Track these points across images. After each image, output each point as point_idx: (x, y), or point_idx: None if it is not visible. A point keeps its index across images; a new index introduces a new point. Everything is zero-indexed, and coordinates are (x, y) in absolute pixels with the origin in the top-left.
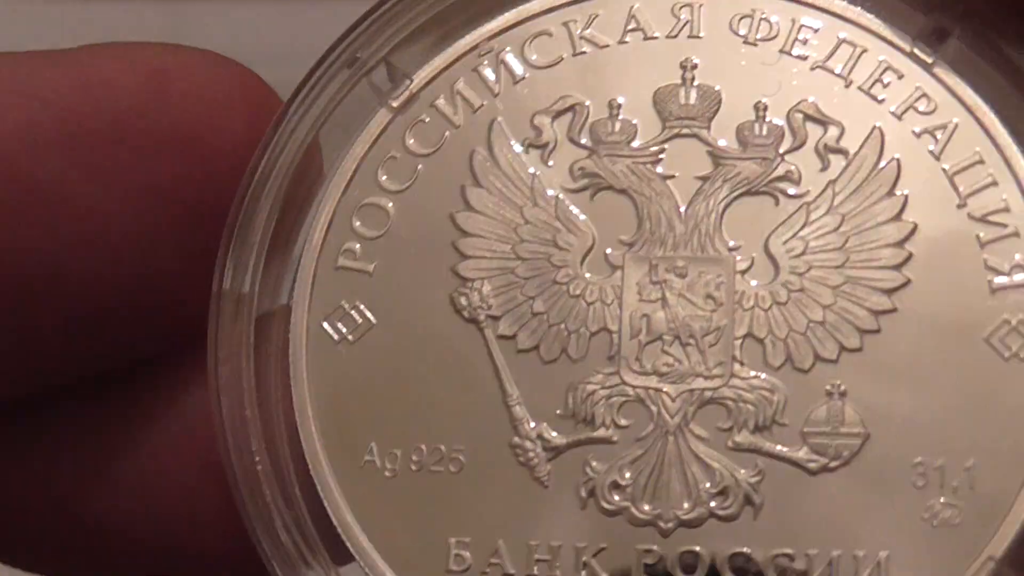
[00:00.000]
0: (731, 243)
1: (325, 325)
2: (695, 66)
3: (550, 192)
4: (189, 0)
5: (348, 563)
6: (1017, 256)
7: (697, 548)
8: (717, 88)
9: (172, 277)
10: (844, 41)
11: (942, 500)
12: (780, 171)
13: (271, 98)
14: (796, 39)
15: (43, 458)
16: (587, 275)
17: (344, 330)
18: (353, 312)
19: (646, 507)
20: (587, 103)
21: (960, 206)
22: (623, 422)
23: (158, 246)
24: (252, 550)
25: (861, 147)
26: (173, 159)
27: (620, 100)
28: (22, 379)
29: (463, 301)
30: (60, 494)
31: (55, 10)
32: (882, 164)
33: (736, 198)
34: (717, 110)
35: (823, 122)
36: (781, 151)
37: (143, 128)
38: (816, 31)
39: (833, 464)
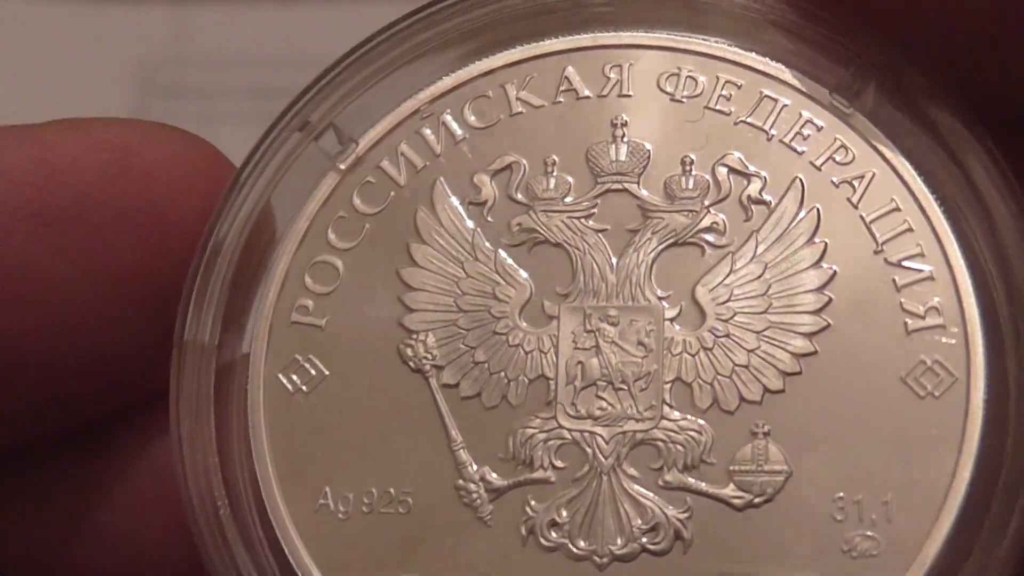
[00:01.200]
0: (660, 292)
1: (281, 377)
2: (625, 123)
3: (489, 247)
4: (191, 3)
5: None
6: (932, 299)
7: None
8: (646, 145)
9: (137, 343)
10: (766, 96)
11: (861, 533)
12: (706, 222)
13: (227, 169)
14: (720, 95)
15: (17, 513)
16: (525, 325)
17: (299, 381)
18: (307, 364)
19: (582, 543)
20: (523, 162)
21: (877, 252)
22: (560, 464)
23: (122, 316)
24: None
25: (782, 198)
26: (134, 234)
27: (555, 158)
28: None
29: (409, 352)
30: (35, 548)
31: (56, 12)
32: (802, 214)
33: (664, 249)
34: (646, 165)
35: (746, 174)
36: (707, 203)
37: (105, 205)
38: (739, 87)
39: (758, 500)
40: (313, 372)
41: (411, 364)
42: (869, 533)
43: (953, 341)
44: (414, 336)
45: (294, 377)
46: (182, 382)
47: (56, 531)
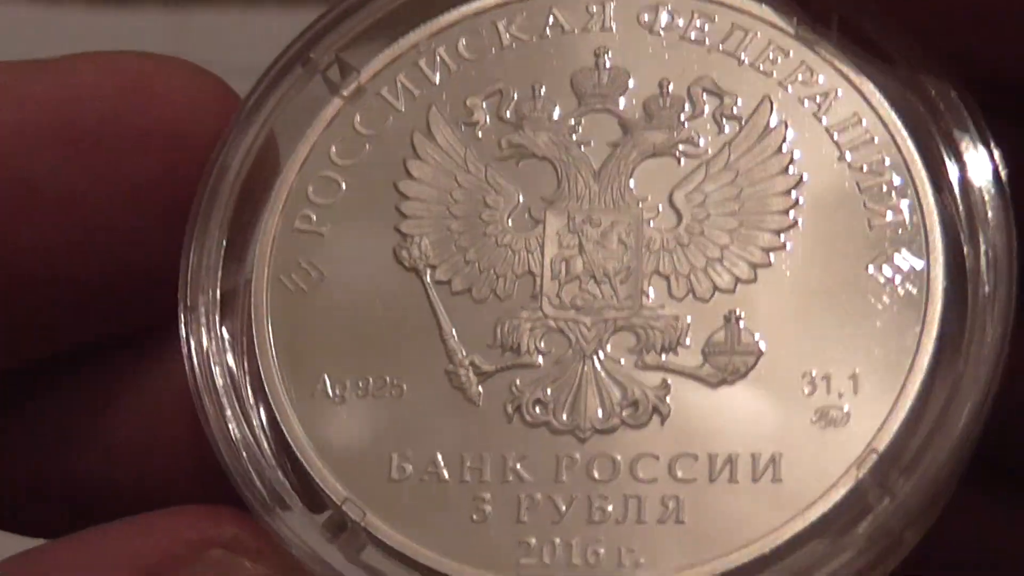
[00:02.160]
0: (639, 196)
1: (282, 278)
2: (607, 52)
3: (480, 162)
4: (192, 9)
5: (303, 480)
6: (892, 198)
7: (610, 452)
8: (626, 70)
9: (156, 260)
10: (736, 27)
11: (830, 404)
12: (682, 136)
13: (235, 99)
14: (695, 28)
15: (33, 427)
16: (513, 228)
17: (299, 282)
18: (307, 267)
19: (565, 418)
20: (512, 88)
21: (841, 159)
22: (544, 348)
23: (144, 232)
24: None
25: (753, 113)
26: (154, 155)
27: (542, 84)
28: (14, 352)
29: (404, 253)
30: (47, 462)
31: (53, 17)
32: (772, 127)
33: (644, 160)
34: (626, 88)
35: (719, 94)
36: (683, 119)
37: (125, 126)
38: (713, 20)
39: (731, 378)
40: (313, 274)
41: (406, 264)
42: (837, 403)
43: (913, 234)
44: (409, 239)
45: (294, 277)
46: (190, 287)
47: (71, 445)
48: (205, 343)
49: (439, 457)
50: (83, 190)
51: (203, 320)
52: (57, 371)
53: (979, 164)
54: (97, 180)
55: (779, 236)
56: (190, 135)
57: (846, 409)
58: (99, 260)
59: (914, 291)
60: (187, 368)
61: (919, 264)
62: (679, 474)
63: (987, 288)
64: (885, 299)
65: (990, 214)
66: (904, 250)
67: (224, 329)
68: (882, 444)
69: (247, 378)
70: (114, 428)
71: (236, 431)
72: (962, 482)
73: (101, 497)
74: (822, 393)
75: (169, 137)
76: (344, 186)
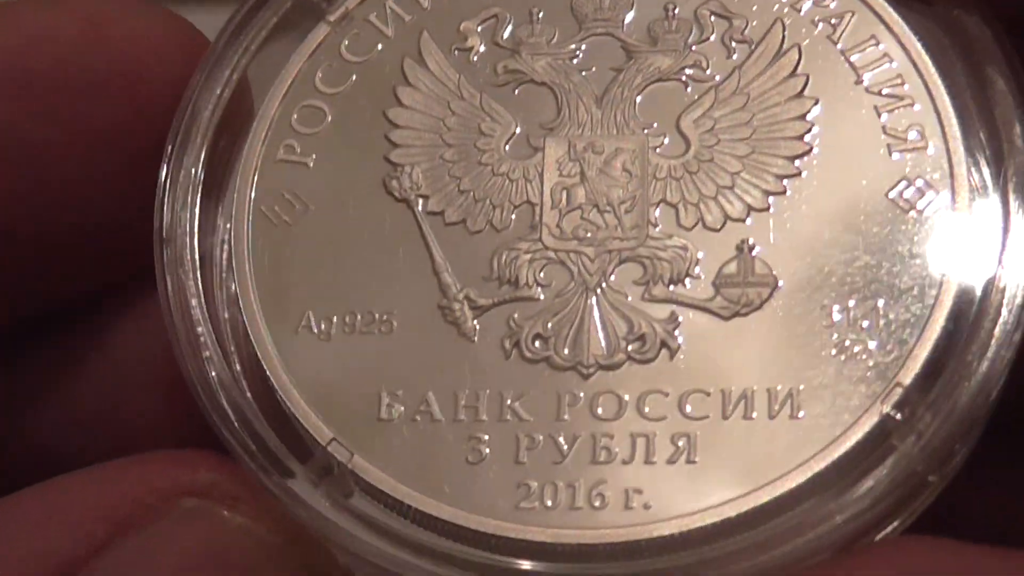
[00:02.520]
0: (645, 123)
1: (264, 210)
2: None
3: (475, 88)
4: (193, 8)
5: (286, 421)
6: (913, 121)
7: (616, 389)
8: None
9: (125, 210)
10: None
11: (852, 337)
12: (689, 60)
13: (203, 41)
14: None
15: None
16: (510, 157)
17: (282, 213)
18: (291, 198)
19: (567, 353)
20: (508, 13)
21: (857, 82)
22: (545, 281)
23: (106, 182)
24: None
25: (764, 36)
26: (114, 100)
27: (539, 10)
28: None
29: (394, 184)
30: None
31: None
32: (783, 49)
33: (649, 85)
34: (629, 11)
35: (728, 17)
36: (690, 43)
37: (83, 70)
38: None
39: (745, 310)
40: (297, 206)
41: (396, 195)
42: (859, 336)
43: (934, 159)
44: (400, 169)
45: (277, 209)
46: (166, 226)
47: (38, 409)
48: (183, 282)
49: (432, 396)
50: (39, 139)
51: (180, 259)
52: (29, 324)
53: (1004, 89)
54: (53, 128)
55: (793, 163)
56: (153, 78)
57: (869, 341)
58: (62, 212)
59: (937, 219)
60: (164, 308)
61: (942, 191)
62: (690, 411)
63: (1014, 215)
64: (907, 227)
65: (1018, 140)
66: (926, 177)
67: (202, 266)
68: (907, 377)
69: (227, 316)
70: (89, 373)
71: (215, 371)
72: (987, 430)
73: (73, 446)
74: (843, 325)
75: (129, 80)
76: (330, 115)
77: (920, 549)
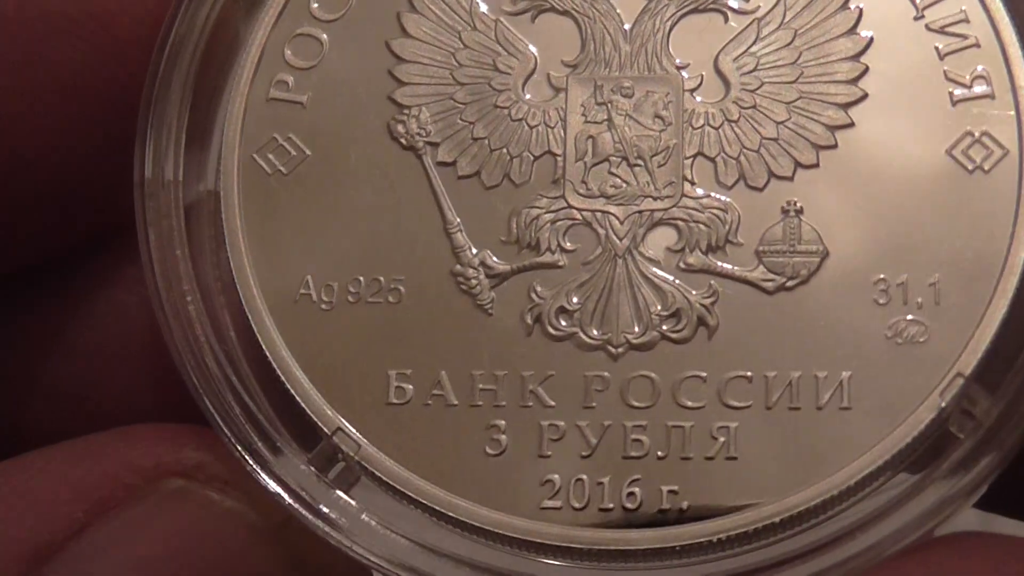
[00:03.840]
0: (679, 61)
1: (256, 158)
2: None
3: (489, 15)
4: None
5: (285, 401)
6: (978, 67)
7: (648, 373)
8: None
9: (95, 161)
10: None
11: (907, 317)
12: None
13: None
14: None
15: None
16: (529, 98)
17: (276, 162)
18: (286, 144)
19: (595, 332)
20: None
21: (917, 18)
22: (569, 246)
23: (81, 130)
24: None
25: None
26: (86, 41)
27: None
28: None
29: (400, 128)
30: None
31: None
32: None
33: (683, 15)
34: None
35: None
36: None
37: (52, 13)
38: None
39: (790, 283)
40: (293, 152)
41: (402, 141)
42: (915, 317)
43: (1002, 112)
44: (406, 111)
45: (271, 157)
46: (148, 180)
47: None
48: (167, 236)
49: (445, 376)
50: (4, 85)
51: (165, 212)
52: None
53: None
54: (20, 71)
55: (846, 111)
56: (128, 14)
57: (926, 323)
58: (31, 165)
59: (1005, 180)
60: (146, 267)
61: (1011, 149)
62: (730, 400)
63: None
64: (970, 189)
65: None
66: (993, 131)
67: (188, 220)
68: (968, 366)
69: (217, 282)
70: (65, 343)
71: (205, 345)
72: None
73: (48, 423)
74: (898, 303)
75: (102, 19)
76: (327, 45)
77: (982, 547)
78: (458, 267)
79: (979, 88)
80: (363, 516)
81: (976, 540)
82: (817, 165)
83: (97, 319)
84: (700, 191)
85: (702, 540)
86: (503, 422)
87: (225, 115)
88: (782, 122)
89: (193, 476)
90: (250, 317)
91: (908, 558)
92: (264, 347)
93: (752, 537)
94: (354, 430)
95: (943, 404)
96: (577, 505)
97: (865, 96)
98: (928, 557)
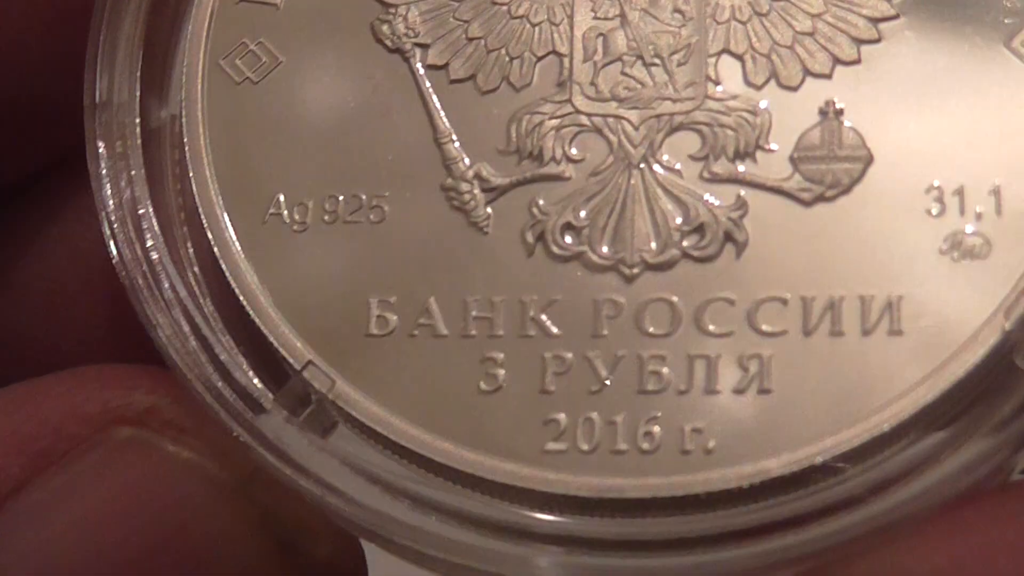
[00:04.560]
0: None
1: (223, 64)
2: None
3: None
4: None
5: (251, 334)
6: None
7: (668, 295)
8: None
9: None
10: None
11: (965, 229)
12: None
13: None
14: None
15: None
16: None
17: (246, 68)
18: (257, 48)
19: (605, 250)
20: None
21: None
22: (577, 155)
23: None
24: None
25: None
26: None
27: None
28: None
29: (386, 29)
30: None
31: None
32: None
33: None
34: None
35: None
36: None
37: None
38: None
39: (830, 193)
40: (264, 58)
41: (388, 43)
42: (974, 229)
43: None
44: (392, 10)
45: (239, 64)
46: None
47: None
48: (123, 156)
49: (434, 303)
50: None
51: (120, 129)
52: None
53: None
54: None
55: (891, 2)
56: None
57: (988, 234)
58: None
59: None
60: (96, 191)
61: None
62: (762, 326)
63: None
64: None
65: None
66: None
67: (148, 140)
68: None
69: (180, 204)
70: (10, 283)
71: (161, 274)
72: None
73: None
74: (954, 213)
75: None
76: None
77: None
78: (449, 181)
79: None
80: (340, 465)
81: None
82: (859, 61)
83: (48, 256)
84: (726, 92)
85: (731, 487)
86: (500, 354)
87: (190, 19)
88: (818, 14)
89: (145, 423)
90: (212, 241)
91: (974, 506)
92: (227, 273)
93: (790, 483)
94: (328, 365)
95: (1008, 326)
96: (585, 448)
97: None
98: (999, 505)
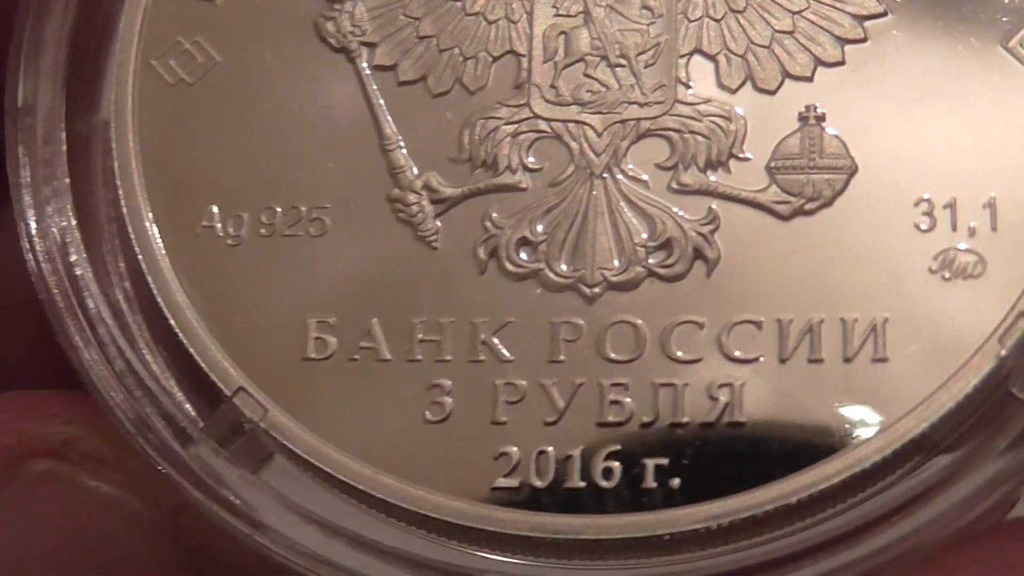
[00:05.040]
0: None
1: (156, 65)
2: None
3: None
4: None
5: (179, 357)
6: None
7: (631, 318)
8: None
9: None
10: None
11: (957, 246)
12: None
13: None
14: None
15: None
16: None
17: (180, 69)
18: (192, 48)
19: (564, 267)
20: None
21: None
22: (534, 164)
23: None
24: None
25: None
26: None
27: None
28: None
29: (331, 26)
30: None
31: None
32: None
33: None
34: None
35: None
36: None
37: None
38: None
39: (810, 206)
40: (200, 58)
41: (332, 42)
42: (967, 245)
43: None
44: (338, 6)
45: (173, 64)
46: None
47: None
48: (45, 163)
49: (376, 325)
50: None
51: (45, 135)
52: None
53: None
54: None
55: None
56: None
57: (982, 252)
58: None
59: None
60: (15, 200)
61: None
62: (734, 351)
63: None
64: None
65: None
66: None
67: (75, 148)
68: None
69: (113, 223)
70: None
71: (84, 289)
72: None
73: None
74: (945, 229)
75: None
76: None
77: None
78: (396, 191)
79: None
80: (273, 501)
81: None
82: (843, 62)
83: None
84: (697, 95)
85: (698, 528)
86: (448, 381)
87: (122, 15)
88: (799, 11)
89: (63, 456)
90: (140, 255)
91: (963, 550)
92: (155, 291)
93: (763, 524)
94: (261, 391)
95: (1003, 352)
96: (539, 484)
97: None
98: (991, 549)
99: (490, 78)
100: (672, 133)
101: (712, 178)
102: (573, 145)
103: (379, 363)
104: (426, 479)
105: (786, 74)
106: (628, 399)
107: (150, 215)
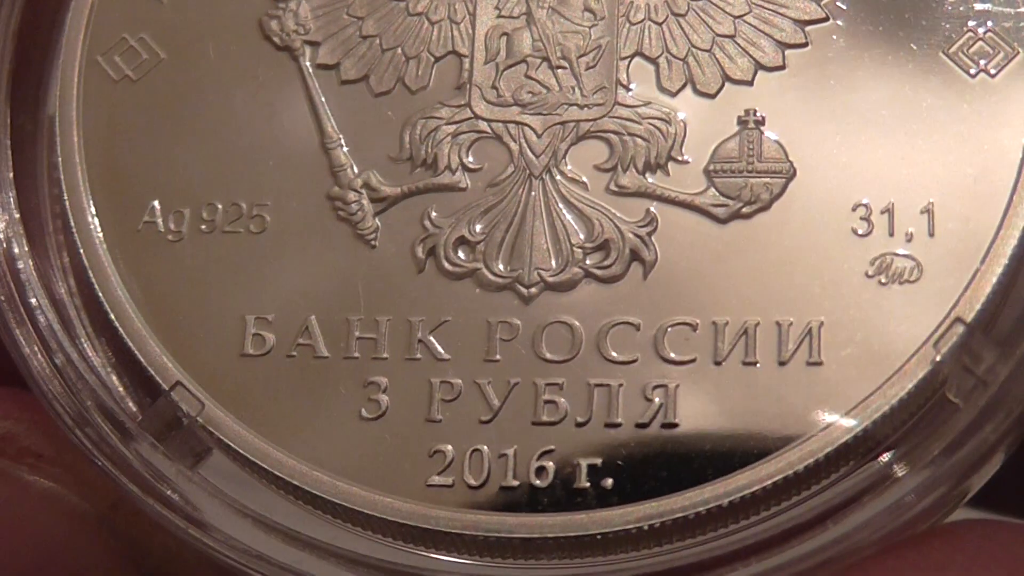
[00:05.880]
0: None
1: (101, 61)
2: None
3: None
4: None
5: (118, 351)
6: None
7: (567, 318)
8: None
9: None
10: None
11: (894, 251)
12: None
13: None
14: None
15: None
16: None
17: (125, 66)
18: (137, 45)
19: (501, 267)
20: None
21: None
22: (474, 164)
23: None
24: None
25: None
26: None
27: None
28: None
29: (275, 25)
30: None
31: None
32: None
33: None
34: None
35: None
36: None
37: None
38: None
39: (747, 209)
40: (145, 55)
41: (276, 40)
42: (904, 251)
43: (1008, 7)
44: (281, 5)
45: (118, 61)
46: None
47: None
48: None
49: (315, 322)
50: None
51: None
52: None
53: None
54: None
55: (819, 3)
56: None
57: (919, 257)
58: None
59: (1014, 87)
60: None
61: (1021, 48)
62: (669, 353)
63: None
64: (972, 95)
65: None
66: (998, 27)
67: (18, 145)
68: (970, 311)
69: (57, 218)
70: None
71: (26, 282)
72: None
73: None
74: (882, 234)
75: None
76: None
77: (993, 538)
78: (336, 189)
79: None
80: (209, 496)
81: (986, 529)
82: (783, 67)
83: None
84: (637, 98)
85: (630, 528)
86: (384, 379)
87: (68, 11)
88: (741, 16)
89: (1, 451)
90: (81, 250)
91: (896, 554)
92: (95, 285)
93: (695, 526)
94: (198, 386)
95: (939, 358)
96: (473, 483)
97: None
98: (923, 553)
99: (432, 78)
100: (611, 135)
101: (650, 180)
102: (513, 146)
103: (316, 360)
104: (361, 476)
105: (726, 78)
106: (563, 399)
107: (93, 210)
